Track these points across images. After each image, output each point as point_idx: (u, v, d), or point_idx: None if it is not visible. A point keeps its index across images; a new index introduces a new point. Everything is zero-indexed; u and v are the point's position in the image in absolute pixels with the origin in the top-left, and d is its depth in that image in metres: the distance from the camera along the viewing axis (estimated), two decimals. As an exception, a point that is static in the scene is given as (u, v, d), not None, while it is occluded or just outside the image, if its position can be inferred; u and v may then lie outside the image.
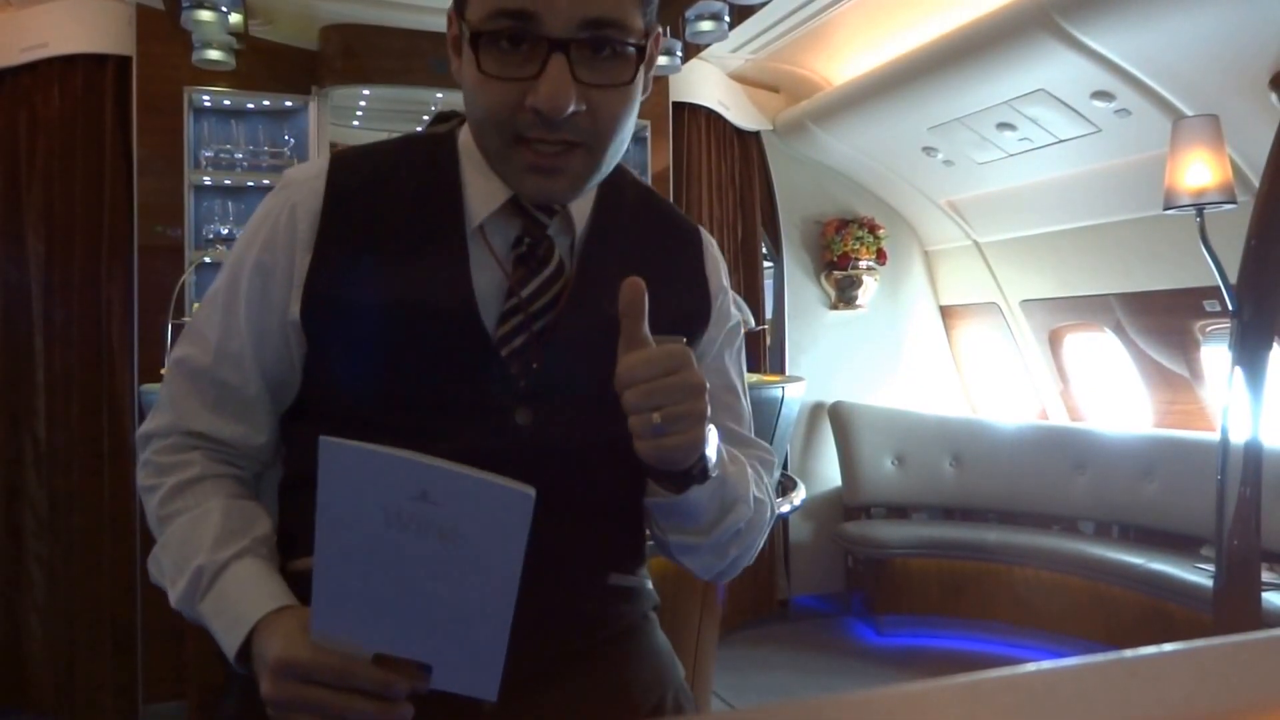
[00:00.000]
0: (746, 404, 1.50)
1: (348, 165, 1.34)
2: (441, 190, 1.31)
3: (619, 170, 1.39)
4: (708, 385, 1.16)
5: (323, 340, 1.29)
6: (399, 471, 0.97)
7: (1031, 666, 0.63)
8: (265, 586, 1.19)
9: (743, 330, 1.53)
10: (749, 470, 1.37)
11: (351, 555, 1.00)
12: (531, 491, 0.96)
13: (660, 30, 1.31)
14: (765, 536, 1.42)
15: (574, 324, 1.28)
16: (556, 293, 1.29)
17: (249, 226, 1.35)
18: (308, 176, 1.32)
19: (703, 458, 1.18)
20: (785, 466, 4.41)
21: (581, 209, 1.34)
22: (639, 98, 1.25)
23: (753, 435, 1.50)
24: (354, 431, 1.10)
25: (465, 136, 1.34)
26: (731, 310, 1.48)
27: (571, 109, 1.15)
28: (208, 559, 1.22)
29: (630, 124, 1.25)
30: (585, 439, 1.28)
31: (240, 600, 1.18)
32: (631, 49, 1.19)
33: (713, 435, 1.20)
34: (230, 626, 1.17)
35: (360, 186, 1.31)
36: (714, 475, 1.22)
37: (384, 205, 1.29)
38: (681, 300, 1.38)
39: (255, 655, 1.13)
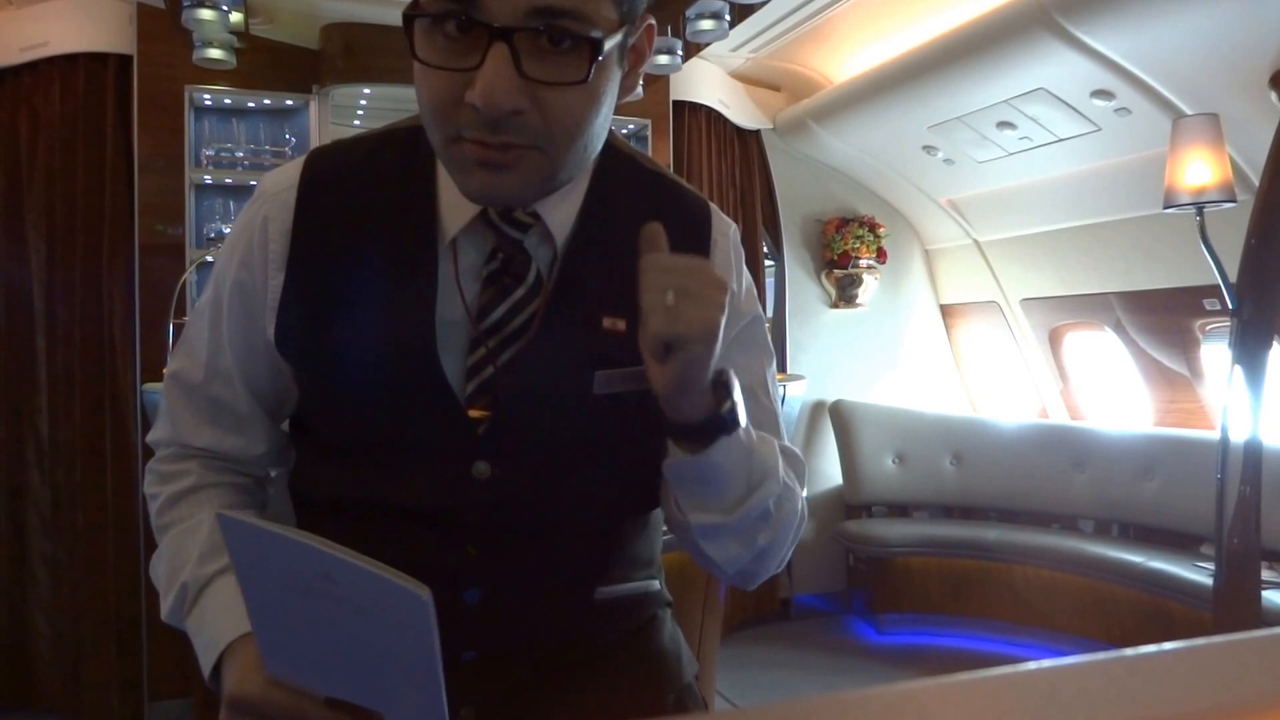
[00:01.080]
0: (774, 404, 1.36)
1: (320, 174, 1.26)
2: (414, 202, 1.22)
3: (619, 156, 1.30)
4: (729, 352, 1.13)
5: (297, 364, 1.26)
6: (297, 553, 0.93)
7: (1032, 665, 0.63)
8: (238, 608, 1.10)
9: (764, 324, 1.39)
10: (776, 446, 1.22)
11: (278, 615, 0.99)
12: (426, 595, 0.87)
13: (651, 21, 1.18)
14: (796, 533, 1.29)
15: (543, 355, 1.19)
16: (529, 316, 1.20)
17: (229, 239, 1.32)
18: (279, 188, 1.26)
19: (730, 399, 1.10)
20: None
21: (563, 216, 1.22)
22: (606, 97, 1.11)
23: (785, 439, 1.35)
24: (336, 455, 1.16)
25: None
26: (754, 304, 1.36)
27: (513, 107, 1.03)
28: (192, 575, 1.22)
29: (596, 125, 1.12)
30: (552, 483, 1.22)
31: (215, 622, 1.17)
32: (591, 34, 1.03)
33: (736, 382, 1.13)
34: (205, 648, 1.16)
35: (332, 201, 1.24)
36: (739, 425, 1.12)
37: (355, 221, 1.22)
38: None
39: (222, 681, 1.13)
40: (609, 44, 1.06)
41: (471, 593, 1.21)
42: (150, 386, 3.62)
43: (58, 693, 4.66)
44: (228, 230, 4.80)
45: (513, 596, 1.20)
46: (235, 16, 4.40)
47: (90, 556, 4.66)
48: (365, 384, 1.19)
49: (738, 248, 1.37)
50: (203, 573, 1.21)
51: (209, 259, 4.76)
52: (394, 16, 4.10)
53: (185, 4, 4.23)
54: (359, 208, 1.22)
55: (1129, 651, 0.65)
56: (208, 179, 4.91)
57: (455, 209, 1.19)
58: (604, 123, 1.15)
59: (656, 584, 1.42)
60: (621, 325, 1.19)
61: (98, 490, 4.67)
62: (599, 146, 1.19)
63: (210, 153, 4.91)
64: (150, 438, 1.37)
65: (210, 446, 1.33)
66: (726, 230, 1.36)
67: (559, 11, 1.01)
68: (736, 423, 1.11)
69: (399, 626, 0.91)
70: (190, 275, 4.65)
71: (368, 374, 1.19)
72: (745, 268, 1.38)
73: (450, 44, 1.04)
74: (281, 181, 1.26)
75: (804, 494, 1.31)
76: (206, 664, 1.15)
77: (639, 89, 5.00)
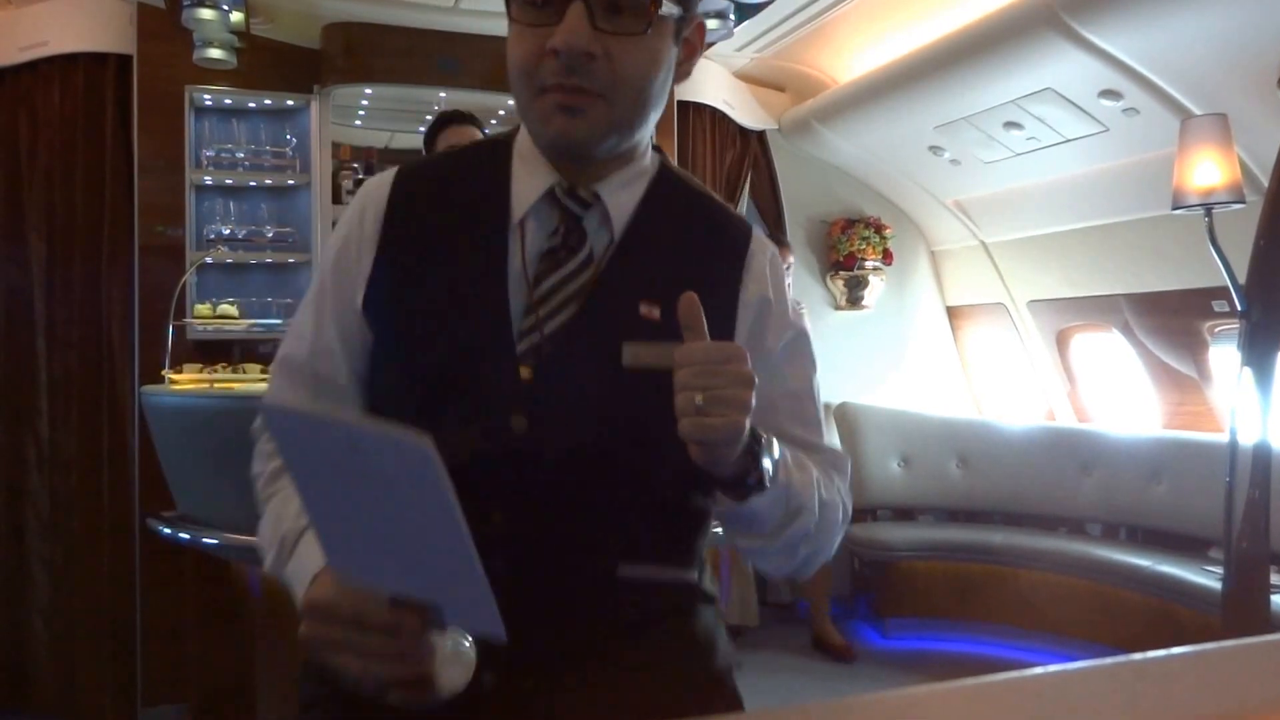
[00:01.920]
0: (817, 410, 1.52)
1: (413, 171, 1.48)
2: (491, 188, 1.41)
3: (674, 172, 1.52)
4: (758, 383, 1.19)
5: (378, 326, 1.40)
6: (322, 429, 1.01)
7: (1038, 670, 0.63)
8: None
9: (809, 339, 1.53)
10: (814, 475, 1.38)
11: (328, 506, 1.05)
12: (427, 444, 0.92)
13: (703, 21, 1.43)
14: (839, 536, 1.45)
15: (584, 328, 1.34)
16: (578, 289, 1.35)
17: (333, 233, 1.49)
18: (379, 183, 1.46)
19: (760, 468, 1.23)
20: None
21: (623, 204, 1.40)
22: (664, 61, 1.33)
23: (824, 439, 1.51)
24: (390, 414, 1.25)
25: (521, 136, 1.44)
26: (794, 319, 1.50)
27: (587, 50, 1.24)
28: (289, 528, 1.32)
29: (654, 82, 1.33)
30: (583, 444, 1.32)
31: (306, 560, 1.25)
32: (649, 5, 1.27)
33: (774, 446, 1.26)
34: (297, 584, 1.25)
35: (421, 189, 1.45)
36: (770, 486, 1.25)
37: (440, 205, 1.42)
38: (707, 307, 1.26)
39: None
40: (665, 8, 1.29)
41: (494, 562, 1.18)
42: (149, 389, 3.59)
43: (55, 696, 4.64)
44: (228, 231, 4.81)
45: (534, 569, 1.28)
46: (236, 16, 4.41)
47: (85, 561, 4.66)
48: (433, 342, 1.34)
49: (776, 265, 1.50)
50: (298, 525, 1.31)
51: (209, 260, 4.74)
52: (395, 16, 4.14)
53: (185, 4, 4.23)
54: (443, 197, 1.43)
55: (1137, 656, 0.65)
56: (208, 180, 4.90)
57: (525, 193, 1.39)
58: (661, 87, 1.35)
59: (691, 575, 1.48)
60: (656, 314, 1.33)
61: (94, 494, 4.66)
62: (656, 111, 1.38)
63: (210, 153, 4.91)
64: (255, 424, 1.47)
65: None
66: (765, 249, 1.50)
67: None
68: (764, 486, 1.24)
69: (417, 489, 0.96)
70: (190, 277, 4.63)
71: (438, 333, 1.35)
72: (786, 288, 1.52)
73: (536, 11, 1.27)
74: (380, 180, 1.48)
75: (846, 488, 1.47)
76: (299, 597, 1.22)
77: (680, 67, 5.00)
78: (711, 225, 1.48)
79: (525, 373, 1.31)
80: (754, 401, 1.17)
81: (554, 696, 1.33)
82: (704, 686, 1.47)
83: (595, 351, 1.30)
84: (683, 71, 1.42)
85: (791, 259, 5.53)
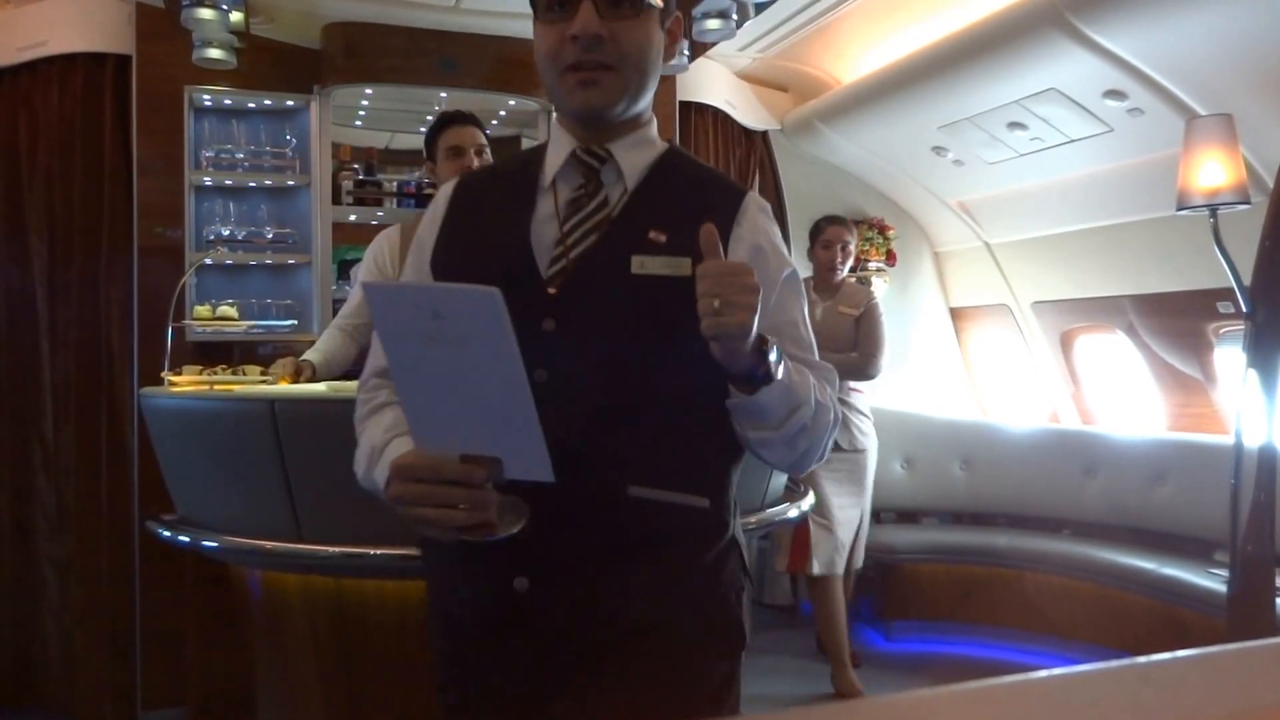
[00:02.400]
0: (809, 335, 1.82)
1: (478, 169, 2.07)
2: (529, 163, 1.81)
3: (680, 152, 1.86)
4: (769, 299, 1.59)
5: (439, 274, 1.76)
6: (411, 296, 1.35)
7: (1042, 673, 0.63)
8: (406, 446, 1.56)
9: (799, 274, 1.83)
10: (811, 379, 1.67)
11: (414, 377, 1.37)
12: (495, 292, 1.26)
13: (679, 15, 1.79)
14: (830, 437, 1.74)
15: (601, 251, 1.67)
16: (596, 224, 1.70)
17: (421, 223, 1.89)
18: (450, 184, 1.89)
19: (767, 363, 1.52)
20: (793, 470, 4.37)
21: (634, 162, 1.75)
22: (654, 38, 1.71)
23: (816, 357, 1.81)
24: None
25: (553, 124, 1.83)
26: (788, 261, 1.80)
27: (597, 33, 1.62)
28: (380, 440, 1.68)
29: (648, 55, 1.70)
30: (601, 346, 1.63)
31: (392, 454, 1.59)
32: None
33: (777, 349, 1.54)
34: (383, 475, 1.58)
35: (482, 175, 1.99)
36: (778, 379, 1.55)
37: (494, 183, 1.89)
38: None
39: None
40: (651, 1, 1.67)
41: (526, 484, 1.50)
42: (147, 391, 3.56)
43: (63, 695, 4.66)
44: (227, 232, 4.80)
45: (564, 482, 1.44)
46: (235, 16, 4.40)
47: (85, 563, 4.65)
48: (478, 272, 1.55)
49: (768, 217, 1.82)
50: (385, 437, 1.67)
51: (208, 261, 4.72)
52: (395, 16, 4.11)
53: (185, 3, 4.22)
54: (498, 175, 1.93)
55: (1141, 659, 0.65)
56: (207, 180, 4.89)
57: (554, 160, 1.77)
58: (654, 60, 1.73)
59: (703, 503, 1.70)
60: (663, 239, 1.65)
61: (93, 497, 4.66)
62: (653, 81, 1.76)
63: (210, 154, 4.89)
64: (360, 379, 1.88)
65: None
66: (758, 204, 1.82)
67: None
68: (773, 378, 1.54)
69: (483, 339, 1.28)
70: (189, 278, 4.61)
71: (481, 264, 1.70)
72: (779, 235, 1.83)
73: (558, 9, 1.65)
74: (452, 180, 1.92)
75: (835, 397, 1.76)
76: (382, 479, 1.58)
77: (684, 62, 5.28)
78: (711, 184, 1.81)
79: (552, 290, 1.65)
80: (758, 304, 1.46)
81: (570, 600, 1.61)
82: (699, 605, 1.71)
83: (610, 271, 1.64)
84: (669, 52, 1.78)
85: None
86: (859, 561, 5.33)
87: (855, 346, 5.08)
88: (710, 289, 1.45)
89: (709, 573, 1.72)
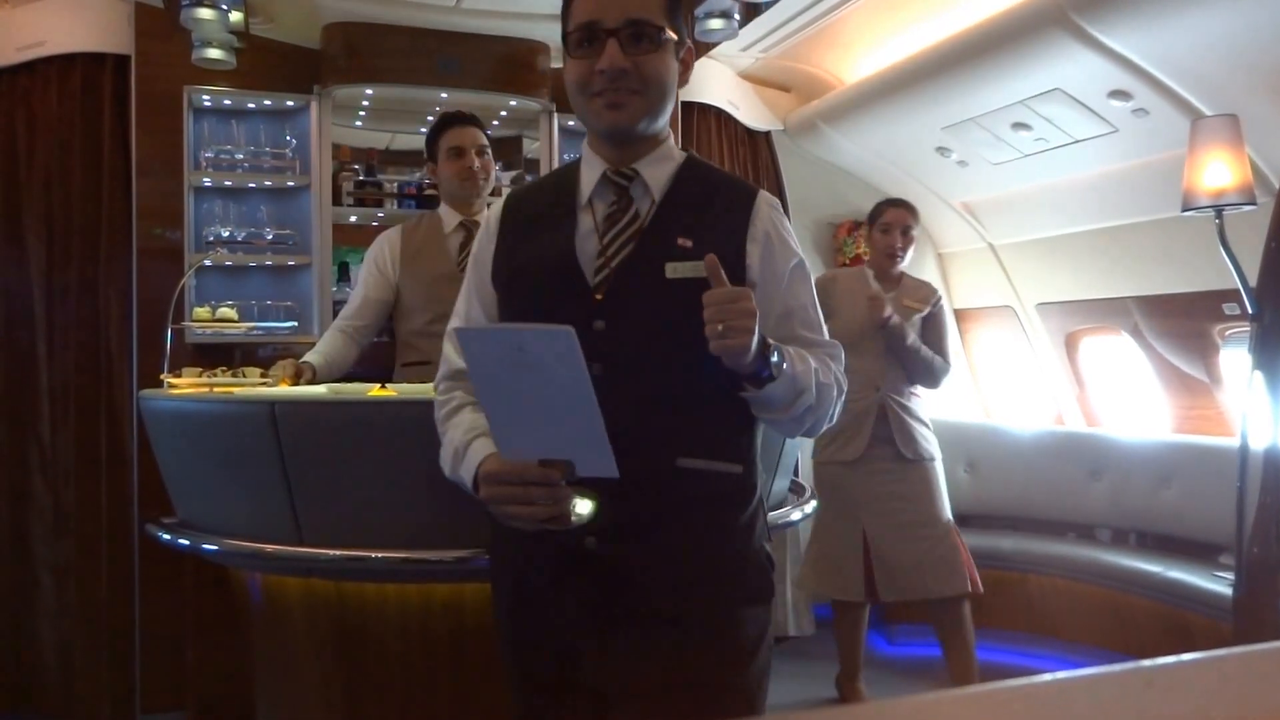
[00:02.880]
0: (818, 317, 2.10)
1: (520, 189, 2.29)
2: (566, 184, 2.08)
3: (696, 160, 2.13)
4: (779, 286, 2.02)
5: (502, 289, 2.08)
6: (500, 339, 1.65)
7: (1047, 677, 0.63)
8: (488, 448, 1.87)
9: (807, 268, 2.10)
10: (813, 363, 1.95)
11: (499, 398, 1.67)
12: (569, 330, 1.54)
13: (691, 46, 2.09)
14: (836, 406, 2.05)
15: (638, 258, 1.94)
16: (631, 234, 1.97)
17: (475, 241, 2.23)
18: (499, 202, 2.18)
19: (769, 366, 1.80)
20: (796, 472, 4.34)
21: (658, 177, 2.03)
22: (670, 65, 1.98)
23: (824, 337, 2.10)
24: None
25: (584, 147, 2.10)
26: (796, 252, 2.08)
27: (622, 67, 1.89)
28: (461, 440, 1.96)
29: (667, 80, 1.98)
30: (645, 342, 1.91)
31: (475, 456, 1.90)
32: (658, 33, 1.93)
33: (777, 351, 1.83)
34: (469, 471, 1.91)
35: (525, 195, 2.21)
36: (778, 377, 1.83)
37: (534, 202, 2.14)
38: (723, 247, 1.89)
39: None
40: (666, 34, 1.94)
41: None
42: (147, 393, 3.54)
43: (60, 700, 4.64)
44: (227, 234, 4.78)
45: (615, 451, 1.67)
46: (235, 16, 4.39)
47: (84, 567, 4.63)
48: (534, 284, 2.02)
49: (777, 212, 2.09)
50: (466, 438, 1.95)
51: (208, 263, 4.70)
52: (396, 16, 4.09)
53: (184, 3, 4.21)
54: (538, 193, 2.21)
55: (1146, 663, 0.65)
56: (207, 181, 4.86)
57: (588, 181, 2.05)
58: (671, 84, 2.00)
59: (736, 469, 2.00)
60: (689, 243, 1.91)
61: (92, 500, 4.65)
62: (670, 102, 2.03)
63: (209, 154, 4.86)
64: (435, 382, 2.18)
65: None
66: (767, 201, 2.09)
67: (640, 21, 1.91)
68: (774, 377, 1.82)
69: (562, 369, 1.56)
70: (189, 280, 4.59)
71: (536, 278, 2.01)
72: (788, 227, 2.10)
73: (587, 47, 1.93)
74: (499, 200, 2.20)
75: (840, 371, 2.07)
76: (469, 477, 1.91)
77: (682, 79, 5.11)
78: (726, 188, 2.08)
79: (599, 296, 1.93)
80: (756, 326, 1.73)
81: (631, 552, 1.91)
82: (737, 558, 2.01)
83: (647, 276, 1.91)
84: (682, 80, 2.05)
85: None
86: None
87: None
88: (714, 315, 1.73)
89: (744, 530, 2.01)
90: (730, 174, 2.27)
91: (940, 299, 4.94)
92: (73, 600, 4.63)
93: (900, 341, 4.68)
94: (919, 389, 4.85)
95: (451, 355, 2.13)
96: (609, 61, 1.90)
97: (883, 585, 4.64)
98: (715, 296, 1.74)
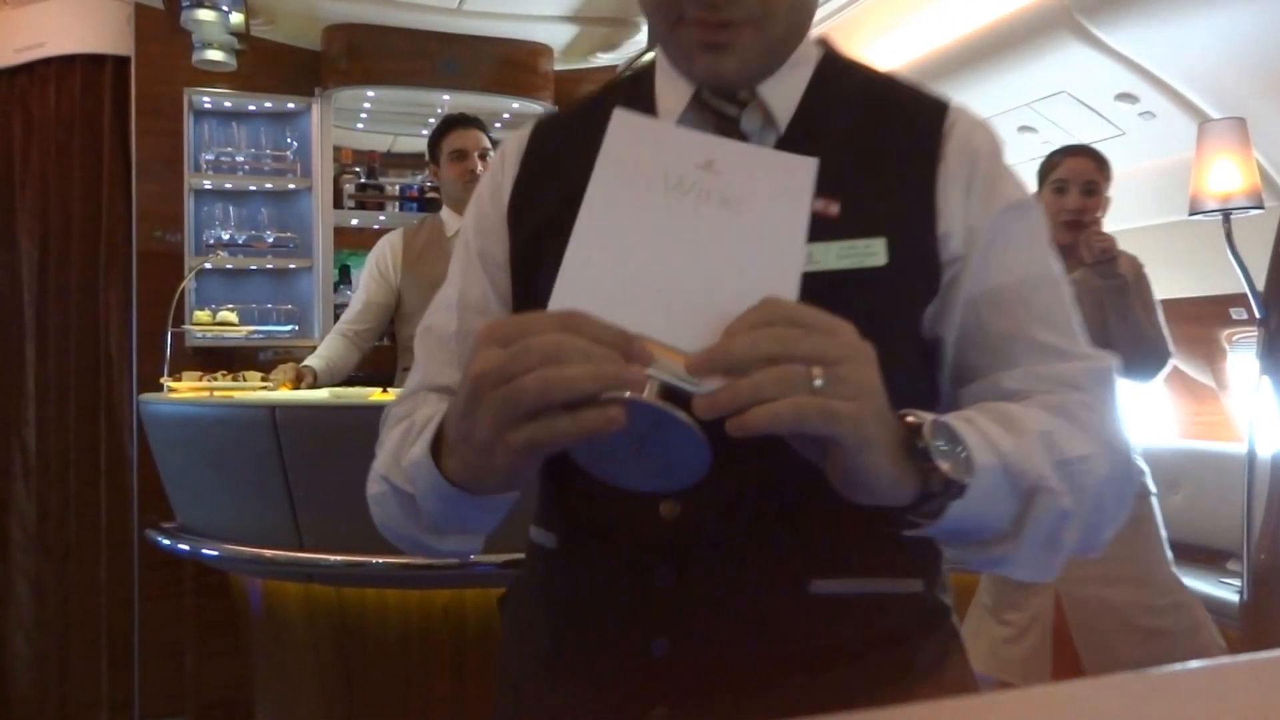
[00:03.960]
0: (1064, 303, 1.14)
1: (553, 115, 1.37)
2: (634, 102, 1.16)
3: (841, 59, 1.30)
4: (975, 250, 1.09)
5: (518, 232, 1.23)
6: (683, 142, 0.96)
7: (1052, 684, 0.58)
8: None
9: (1034, 211, 1.21)
10: (1038, 427, 0.97)
11: (617, 227, 0.92)
12: (814, 159, 0.92)
13: None
14: (1119, 490, 1.04)
15: None
16: None
17: (474, 193, 1.34)
18: (520, 133, 1.31)
19: (932, 463, 0.88)
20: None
21: (783, 99, 1.18)
22: None
23: (1075, 334, 1.13)
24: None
25: (661, 53, 1.24)
26: (1019, 191, 1.21)
27: None
28: (420, 416, 1.11)
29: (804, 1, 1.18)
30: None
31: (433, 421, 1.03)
32: None
33: (952, 437, 0.90)
34: (425, 446, 1.00)
35: (561, 122, 1.31)
36: (974, 480, 0.89)
37: (583, 122, 1.18)
38: (895, 206, 1.10)
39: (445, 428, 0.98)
40: None
41: (665, 571, 1.08)
42: (146, 397, 3.54)
43: (37, 714, 4.59)
44: (227, 236, 4.77)
45: (710, 574, 1.06)
46: (235, 17, 4.40)
47: (81, 572, 4.61)
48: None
49: (987, 136, 1.22)
50: (428, 414, 1.09)
51: (208, 266, 4.69)
52: (397, 18, 4.07)
53: (184, 4, 4.22)
54: (587, 113, 1.22)
55: (1152, 670, 0.64)
56: (207, 184, 4.86)
57: (669, 101, 1.20)
58: (811, 4, 1.21)
59: (916, 585, 1.16)
60: (834, 209, 1.07)
61: (91, 504, 4.63)
62: (807, 25, 1.23)
63: (210, 157, 4.86)
64: (390, 404, 1.29)
65: (454, 384, 1.16)
66: (969, 119, 1.22)
67: None
68: (960, 492, 0.88)
69: (771, 205, 0.92)
70: (189, 283, 4.57)
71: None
72: (1005, 163, 1.23)
73: None
74: (521, 130, 1.32)
75: (1115, 413, 1.08)
76: (428, 438, 1.00)
77: None
78: (893, 105, 1.22)
79: None
80: (878, 379, 0.86)
81: None
82: None
83: None
84: None
85: None
86: None
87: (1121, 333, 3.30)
88: (787, 346, 0.82)
89: (928, 674, 1.15)
90: (891, 75, 1.30)
91: (1140, 265, 3.52)
92: (68, 607, 4.61)
93: (1121, 302, 3.29)
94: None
95: (432, 365, 1.27)
96: None
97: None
98: (781, 312, 0.84)
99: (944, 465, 0.87)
